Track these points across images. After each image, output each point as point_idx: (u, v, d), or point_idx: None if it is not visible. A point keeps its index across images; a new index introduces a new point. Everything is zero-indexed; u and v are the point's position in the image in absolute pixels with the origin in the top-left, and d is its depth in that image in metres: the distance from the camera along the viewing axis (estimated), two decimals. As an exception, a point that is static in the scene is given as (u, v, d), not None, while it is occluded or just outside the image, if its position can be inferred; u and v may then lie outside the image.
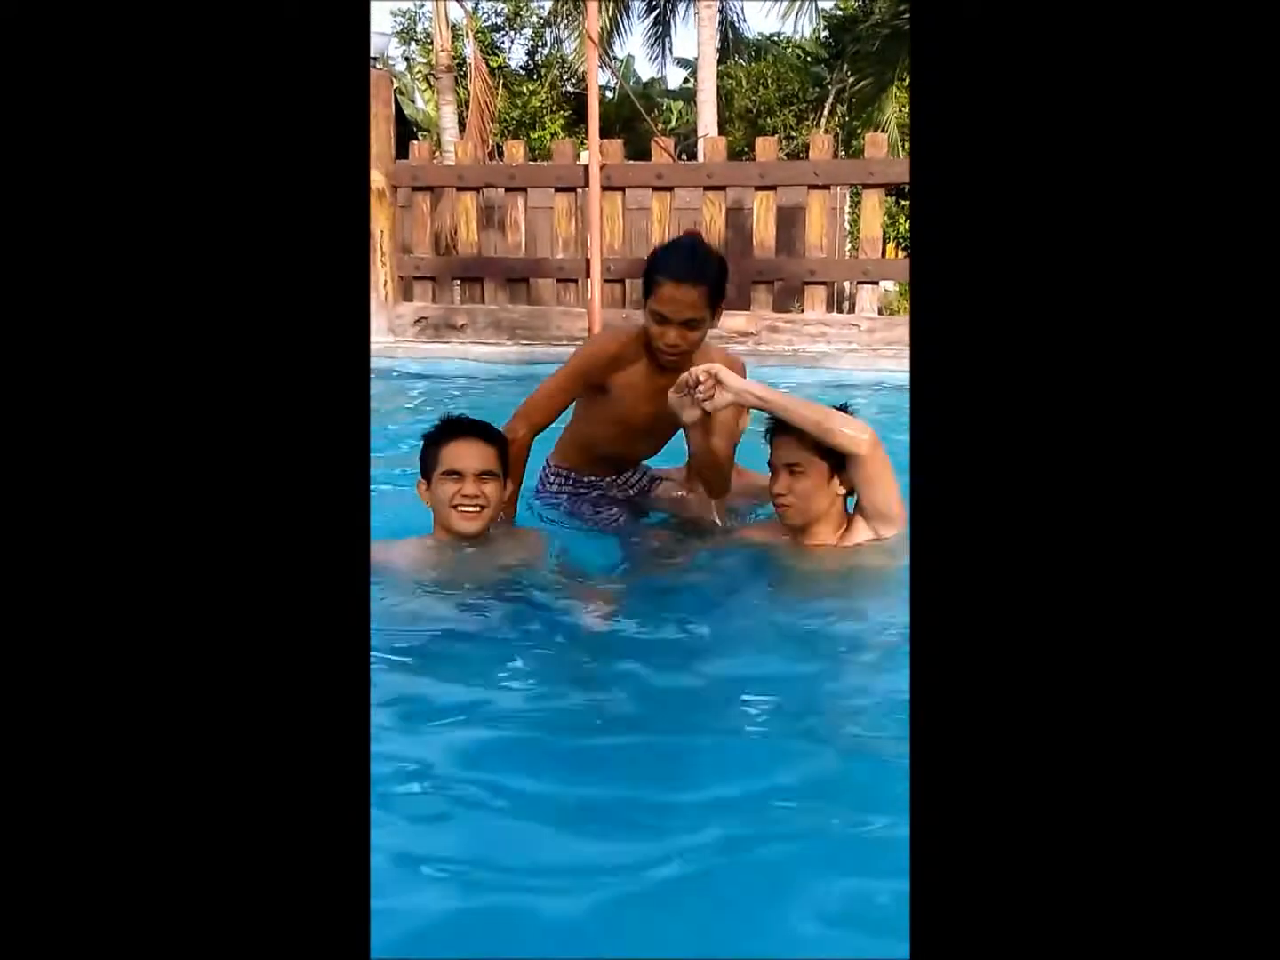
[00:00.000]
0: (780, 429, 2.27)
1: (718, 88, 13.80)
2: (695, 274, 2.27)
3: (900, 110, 14.29)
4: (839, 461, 2.23)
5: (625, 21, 15.85)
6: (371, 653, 1.91)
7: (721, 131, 13.23)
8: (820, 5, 16.10)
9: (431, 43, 14.49)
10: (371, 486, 2.58)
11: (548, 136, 15.22)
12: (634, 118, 13.72)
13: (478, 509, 2.20)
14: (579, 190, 6.03)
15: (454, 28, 13.26)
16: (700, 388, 2.19)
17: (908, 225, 8.05)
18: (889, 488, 2.23)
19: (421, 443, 2.29)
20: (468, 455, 2.20)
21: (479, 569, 2.27)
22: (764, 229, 5.89)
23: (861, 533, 2.30)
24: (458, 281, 6.65)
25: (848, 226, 10.89)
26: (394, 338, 6.13)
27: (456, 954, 1.21)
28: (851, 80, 14.14)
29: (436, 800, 1.55)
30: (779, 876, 1.33)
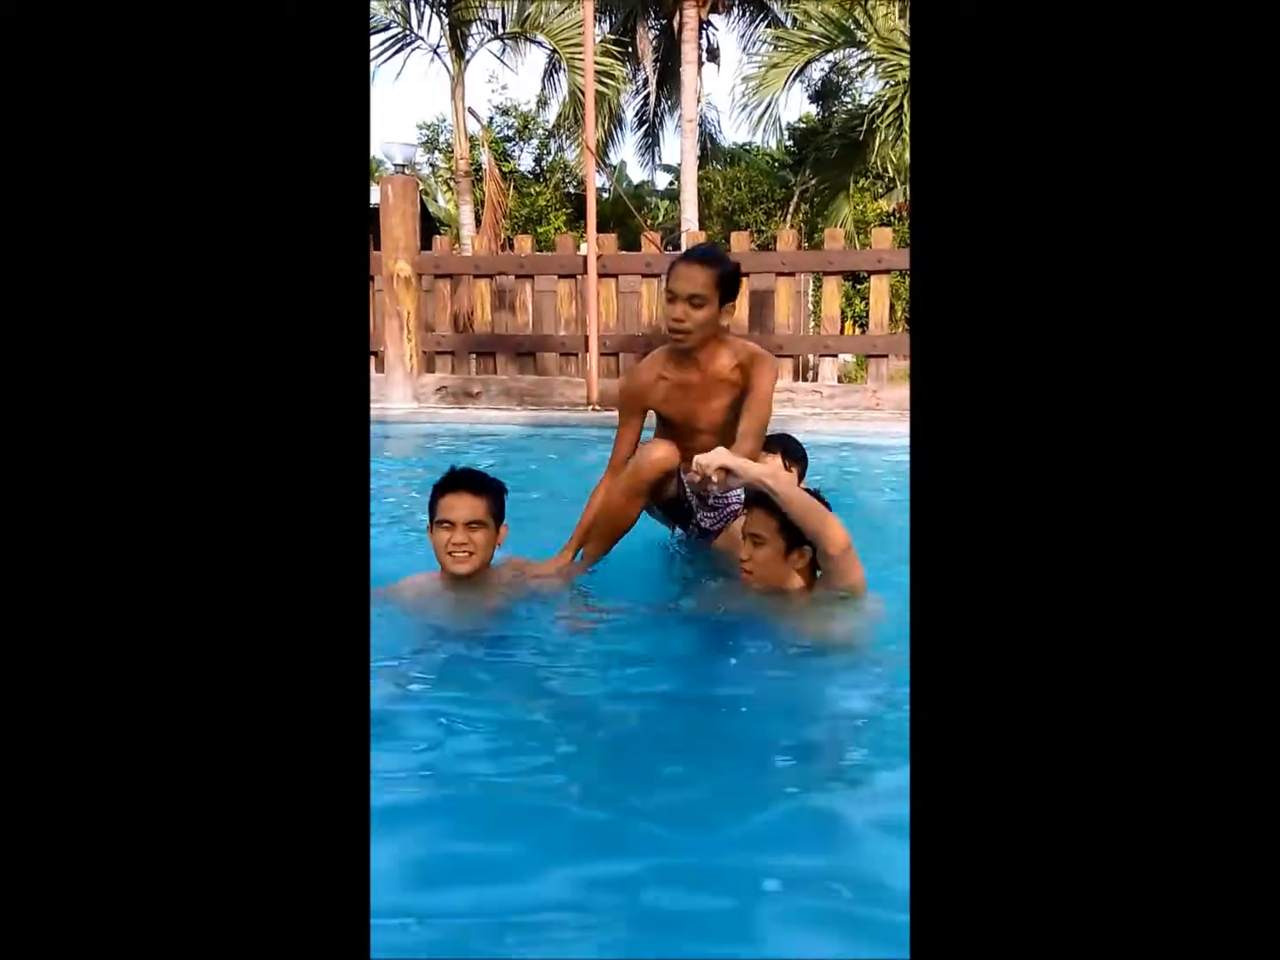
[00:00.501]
0: (753, 501, 2.22)
1: (698, 189, 14.03)
2: (704, 257, 2.35)
3: (855, 209, 14.63)
4: (796, 539, 2.17)
5: (619, 133, 16.26)
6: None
7: (701, 227, 13.49)
8: (785, 119, 16.54)
9: (452, 151, 14.81)
10: (393, 533, 2.56)
11: (552, 231, 15.52)
12: (626, 215, 14.07)
13: (466, 554, 2.23)
14: (578, 277, 6.21)
15: (471, 139, 13.61)
16: (713, 485, 2.15)
17: (863, 305, 8.29)
18: (855, 579, 2.17)
19: (433, 493, 2.30)
20: (459, 507, 2.23)
21: (469, 602, 2.30)
22: (739, 309, 5.96)
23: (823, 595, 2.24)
24: (474, 355, 6.77)
25: (811, 307, 11.14)
26: (418, 404, 6.28)
27: (456, 954, 1.14)
28: (813, 183, 14.47)
29: (435, 798, 1.48)
30: (779, 878, 1.25)
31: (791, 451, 2.71)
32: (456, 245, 10.87)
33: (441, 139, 18.88)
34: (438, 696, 1.91)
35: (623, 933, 1.18)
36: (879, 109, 11.64)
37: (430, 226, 13.22)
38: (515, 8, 12.41)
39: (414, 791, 1.49)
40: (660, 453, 2.44)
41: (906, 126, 11.43)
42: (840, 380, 6.40)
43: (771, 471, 2.22)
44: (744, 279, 5.89)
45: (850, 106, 13.86)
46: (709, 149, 17.24)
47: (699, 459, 2.12)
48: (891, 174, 13.40)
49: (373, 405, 6.08)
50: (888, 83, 11.69)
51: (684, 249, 2.52)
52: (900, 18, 11.31)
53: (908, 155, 11.91)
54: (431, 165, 19.87)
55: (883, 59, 11.59)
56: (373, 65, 12.52)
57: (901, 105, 11.34)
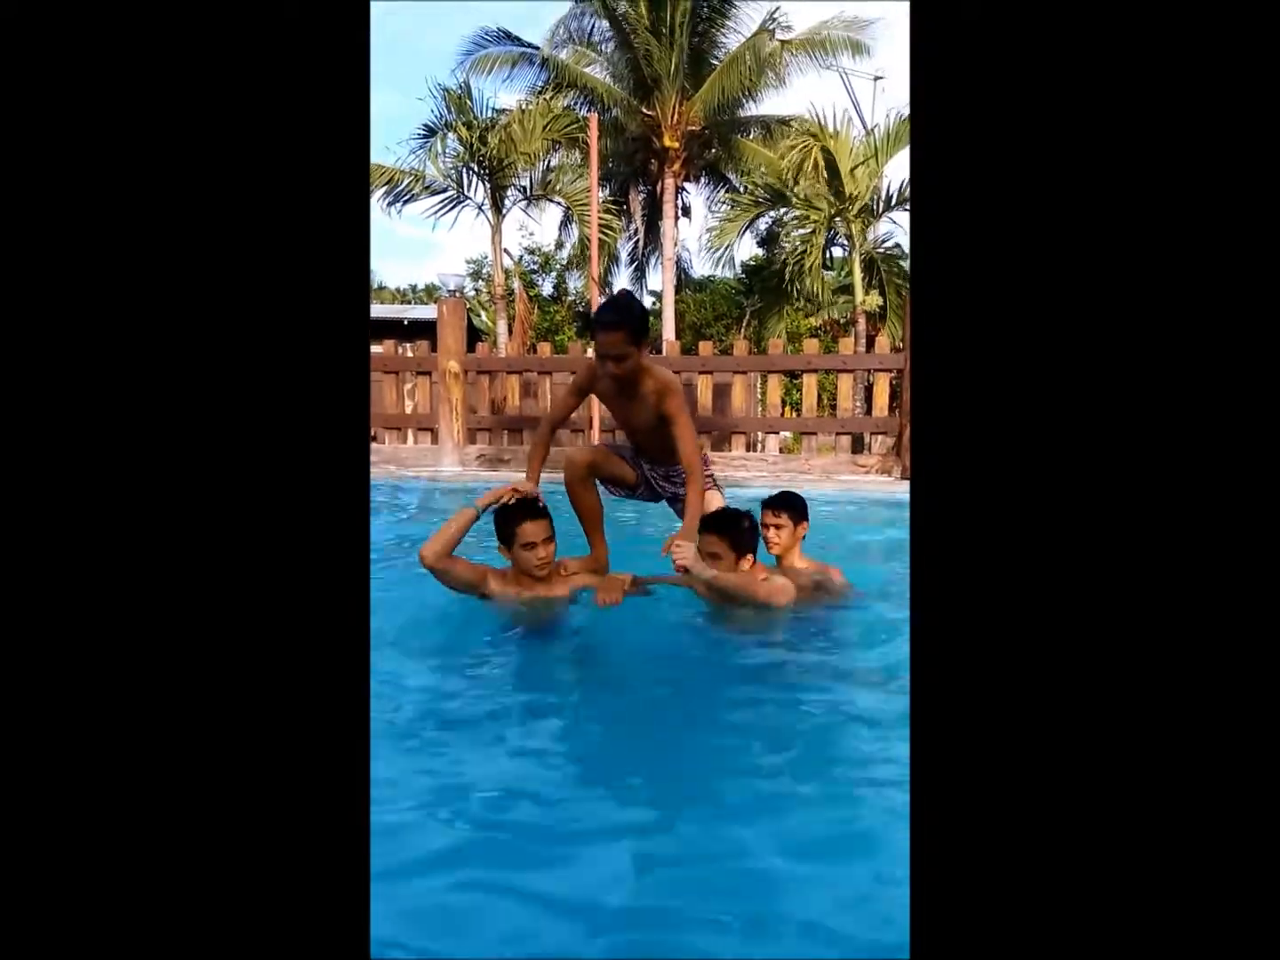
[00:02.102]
0: (706, 528, 2.21)
1: (675, 309, 14.28)
2: (614, 322, 2.19)
3: (790, 323, 14.92)
4: (746, 547, 2.21)
5: (616, 268, 16.53)
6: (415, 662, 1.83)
7: (678, 336, 13.68)
8: (739, 258, 16.88)
9: (492, 279, 15.02)
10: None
11: (565, 339, 15.63)
12: (621, 327, 14.07)
13: (546, 564, 2.23)
14: None
15: (506, 271, 13.78)
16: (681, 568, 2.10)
17: (797, 395, 8.44)
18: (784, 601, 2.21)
19: (496, 517, 2.24)
20: (541, 530, 2.21)
21: (549, 602, 2.28)
22: (705, 398, 6.07)
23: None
24: (506, 431, 6.72)
25: (759, 396, 11.21)
26: (463, 468, 6.21)
27: (456, 953, 0.93)
28: (759, 305, 14.79)
29: (435, 797, 1.25)
30: (780, 877, 1.04)
31: (793, 505, 2.57)
32: (493, 349, 10.91)
33: (484, 270, 19.12)
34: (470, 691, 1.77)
35: (626, 932, 0.97)
36: (799, 250, 12.11)
37: (475, 335, 13.29)
38: (540, 176, 12.69)
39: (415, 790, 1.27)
40: (579, 457, 2.47)
41: (809, 265, 12.09)
42: (781, 451, 6.40)
43: (714, 572, 2.15)
44: (710, 376, 6.02)
45: (787, 250, 14.10)
46: (683, 279, 17.53)
47: (677, 559, 2.08)
48: (807, 298, 13.81)
49: (428, 469, 6.03)
50: (807, 231, 12.20)
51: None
52: (820, 183, 11.82)
53: (810, 284, 12.50)
54: (476, 290, 20.14)
55: (804, 215, 12.10)
56: (432, 218, 12.72)
57: (807, 249, 12.13)
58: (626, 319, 2.22)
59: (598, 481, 2.58)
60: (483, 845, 1.14)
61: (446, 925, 0.98)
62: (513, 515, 2.22)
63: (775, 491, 2.63)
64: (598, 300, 6.30)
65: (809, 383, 6.02)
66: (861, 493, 4.84)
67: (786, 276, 12.44)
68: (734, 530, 2.26)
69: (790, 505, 2.58)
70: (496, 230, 12.74)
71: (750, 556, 2.26)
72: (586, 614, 2.25)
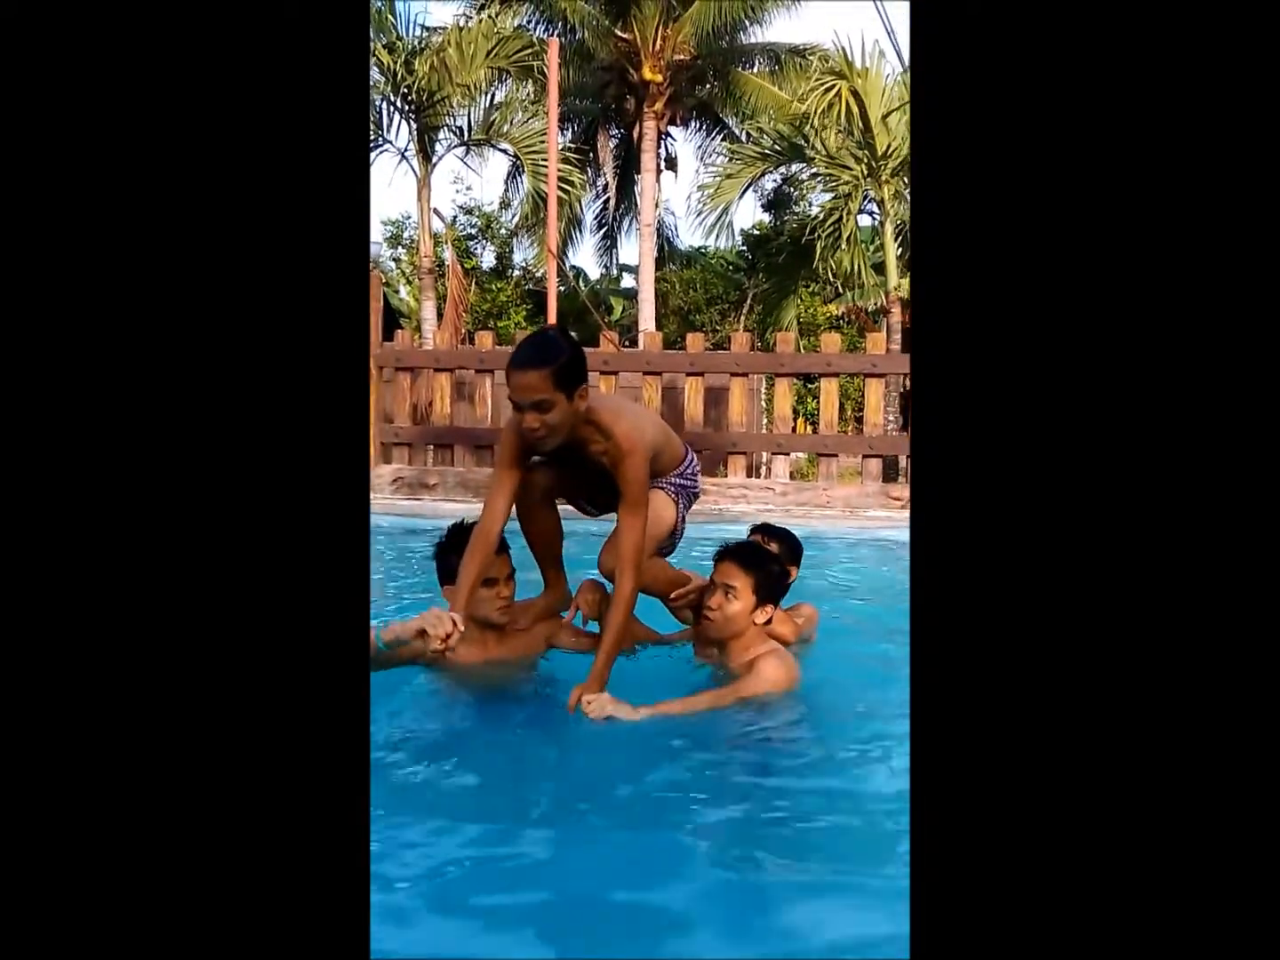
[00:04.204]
0: (726, 554, 2.31)
1: (655, 290, 14.43)
2: (531, 360, 2.09)
3: (805, 311, 15.05)
4: (770, 596, 2.29)
5: (578, 235, 16.65)
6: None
7: (658, 326, 13.74)
8: (739, 225, 17.07)
9: (416, 247, 15.00)
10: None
11: (512, 326, 15.67)
12: (585, 312, 14.30)
13: (508, 607, 2.33)
14: None
15: (435, 237, 13.84)
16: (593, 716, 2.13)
17: (814, 404, 8.52)
18: (781, 684, 2.26)
19: (440, 550, 2.33)
20: (502, 565, 2.27)
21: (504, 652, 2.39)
22: (694, 407, 6.13)
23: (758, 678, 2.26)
24: (431, 447, 6.74)
25: (764, 404, 11.31)
26: (373, 495, 6.20)
27: (456, 953, 1.16)
28: (764, 287, 14.83)
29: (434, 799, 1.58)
30: (778, 879, 1.33)
31: (786, 541, 2.72)
32: (418, 338, 10.91)
33: (405, 235, 19.15)
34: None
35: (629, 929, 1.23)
36: (823, 218, 12.08)
37: (392, 320, 13.28)
38: (481, 115, 12.79)
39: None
40: (538, 476, 2.37)
41: (845, 237, 11.92)
42: (792, 477, 6.43)
43: (663, 709, 2.17)
44: (700, 378, 6.07)
45: (800, 216, 14.32)
46: (666, 251, 17.71)
47: (586, 709, 2.10)
48: (835, 280, 13.83)
49: (327, 495, 5.98)
50: (833, 195, 12.17)
51: (516, 346, 2.26)
52: (849, 136, 11.83)
53: (846, 263, 12.38)
54: (395, 260, 20.10)
55: (829, 174, 12.09)
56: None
57: (841, 217, 11.77)
58: (548, 356, 2.10)
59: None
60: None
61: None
62: (464, 545, 2.20)
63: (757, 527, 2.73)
64: (554, 276, 6.35)
65: (828, 389, 5.99)
66: (892, 533, 4.85)
67: (813, 251, 12.28)
68: (762, 568, 2.30)
69: (786, 542, 2.67)
70: (424, 183, 12.82)
71: (770, 608, 2.32)
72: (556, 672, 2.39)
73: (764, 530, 2.75)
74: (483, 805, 1.63)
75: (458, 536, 2.28)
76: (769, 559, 2.39)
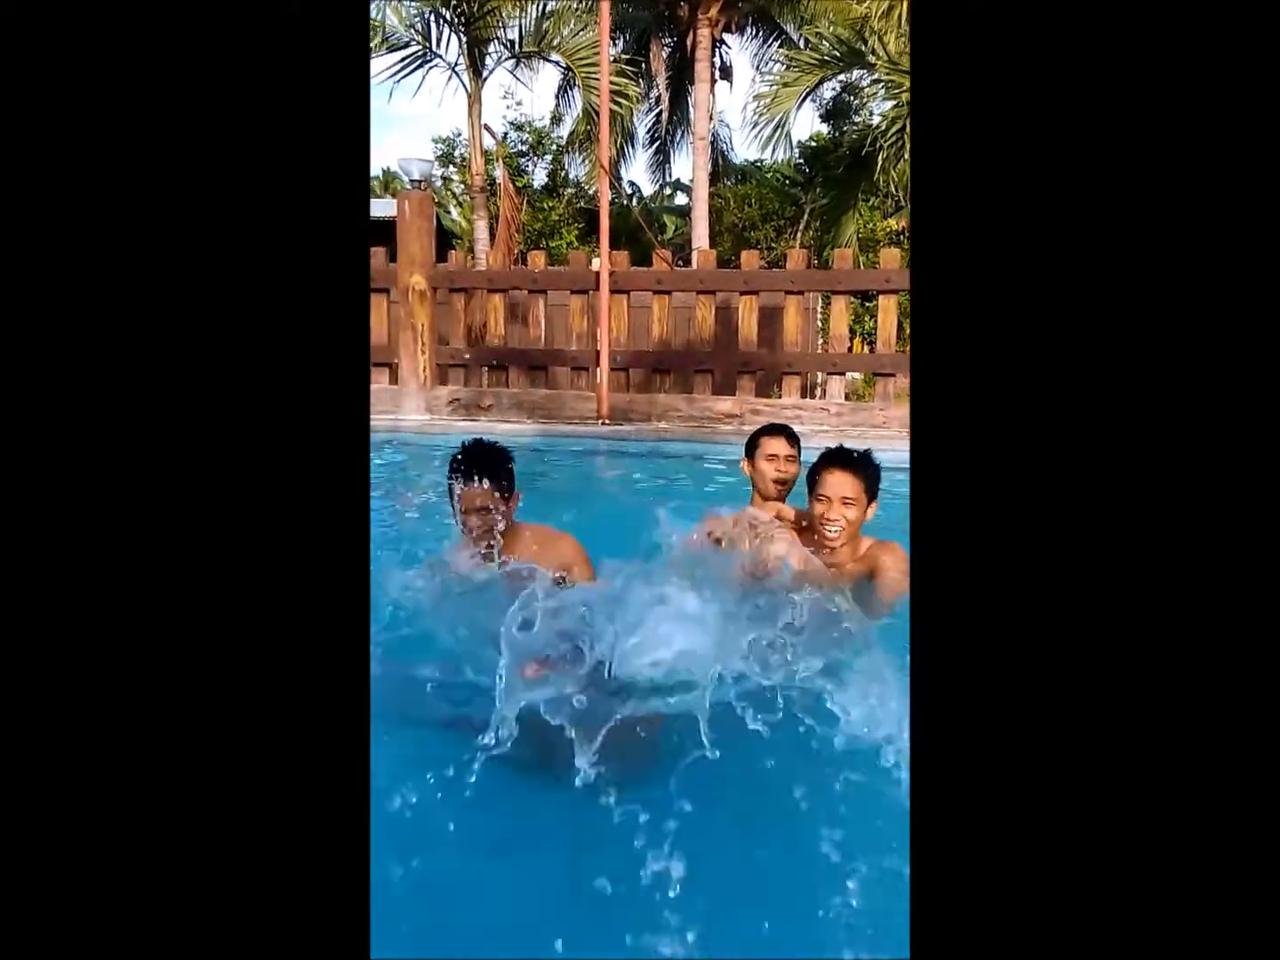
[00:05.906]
0: (827, 466, 2.41)
1: (709, 206, 14.08)
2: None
3: (865, 226, 14.60)
4: (875, 493, 2.43)
5: (631, 150, 16.29)
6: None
7: (712, 244, 13.50)
8: (796, 137, 16.50)
9: (467, 165, 14.84)
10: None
11: (564, 246, 15.52)
12: (638, 230, 14.08)
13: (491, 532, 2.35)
14: (590, 292, 6.19)
15: (486, 154, 13.67)
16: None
17: (871, 323, 8.34)
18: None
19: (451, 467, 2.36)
20: (473, 497, 2.31)
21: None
22: (748, 327, 6.05)
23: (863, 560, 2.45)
24: (486, 368, 6.77)
25: (819, 324, 11.11)
26: (430, 416, 6.26)
27: (455, 953, 1.14)
28: (822, 201, 14.42)
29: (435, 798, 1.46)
30: (779, 879, 1.28)
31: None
32: (470, 259, 10.88)
33: (456, 153, 18.92)
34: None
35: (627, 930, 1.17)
36: (885, 128, 11.64)
37: (445, 240, 13.23)
38: (531, 26, 12.46)
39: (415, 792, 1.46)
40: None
41: (909, 147, 11.43)
42: (847, 398, 6.36)
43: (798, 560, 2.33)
44: (754, 297, 5.97)
45: (860, 126, 13.79)
46: (720, 166, 17.28)
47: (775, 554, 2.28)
48: (896, 192, 13.36)
49: (387, 416, 6.08)
50: (896, 103, 11.69)
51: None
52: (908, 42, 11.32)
53: (908, 174, 11.91)
54: (445, 179, 19.89)
55: (891, 80, 11.59)
56: (391, 81, 12.57)
57: (904, 126, 11.31)
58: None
59: None
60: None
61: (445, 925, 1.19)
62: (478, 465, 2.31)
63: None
64: (606, 193, 6.25)
65: (886, 307, 5.84)
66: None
67: (873, 162, 11.89)
68: (871, 468, 2.41)
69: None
70: (474, 99, 12.59)
71: (875, 505, 2.45)
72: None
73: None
74: (485, 801, 1.53)
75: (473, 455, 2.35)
76: (865, 457, 2.46)
